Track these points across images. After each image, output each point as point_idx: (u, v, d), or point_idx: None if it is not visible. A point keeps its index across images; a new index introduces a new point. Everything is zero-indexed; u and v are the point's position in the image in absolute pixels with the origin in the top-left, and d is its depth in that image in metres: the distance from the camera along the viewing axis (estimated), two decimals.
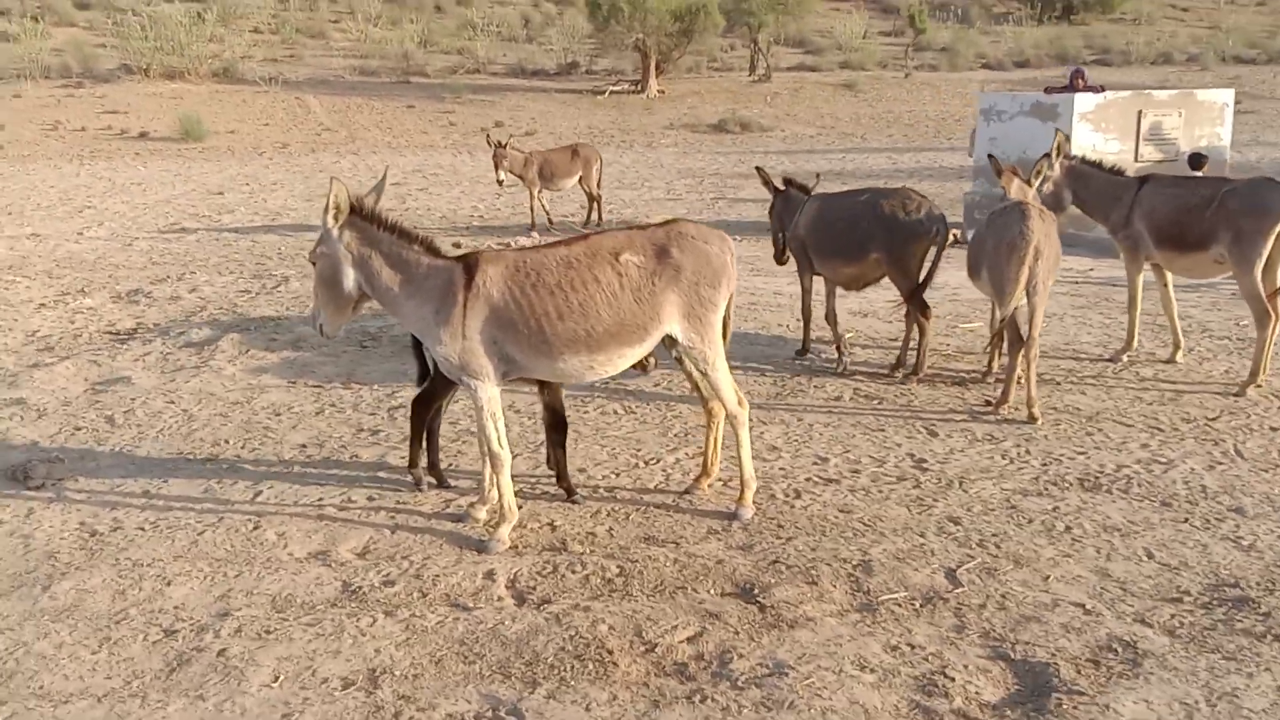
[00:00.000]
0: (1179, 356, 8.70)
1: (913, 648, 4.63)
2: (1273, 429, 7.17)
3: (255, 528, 6.00)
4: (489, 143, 17.35)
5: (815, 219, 8.57)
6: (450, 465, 6.82)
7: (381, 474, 6.78)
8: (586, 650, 4.66)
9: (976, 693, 4.32)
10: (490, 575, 5.38)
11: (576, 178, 17.21)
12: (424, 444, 6.41)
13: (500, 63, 45.93)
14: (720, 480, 6.43)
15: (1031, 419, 7.29)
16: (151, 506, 6.34)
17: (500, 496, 5.73)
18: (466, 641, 4.76)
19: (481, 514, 6.03)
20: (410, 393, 6.90)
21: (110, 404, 8.27)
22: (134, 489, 6.60)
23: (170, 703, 4.34)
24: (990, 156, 8.72)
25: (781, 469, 6.64)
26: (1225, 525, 5.74)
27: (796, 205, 8.82)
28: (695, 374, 6.08)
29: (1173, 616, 4.83)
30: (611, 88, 42.43)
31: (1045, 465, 6.63)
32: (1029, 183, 8.17)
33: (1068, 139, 8.94)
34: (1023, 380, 7.40)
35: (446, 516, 6.11)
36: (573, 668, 4.55)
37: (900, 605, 4.99)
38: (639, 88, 42.34)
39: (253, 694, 4.40)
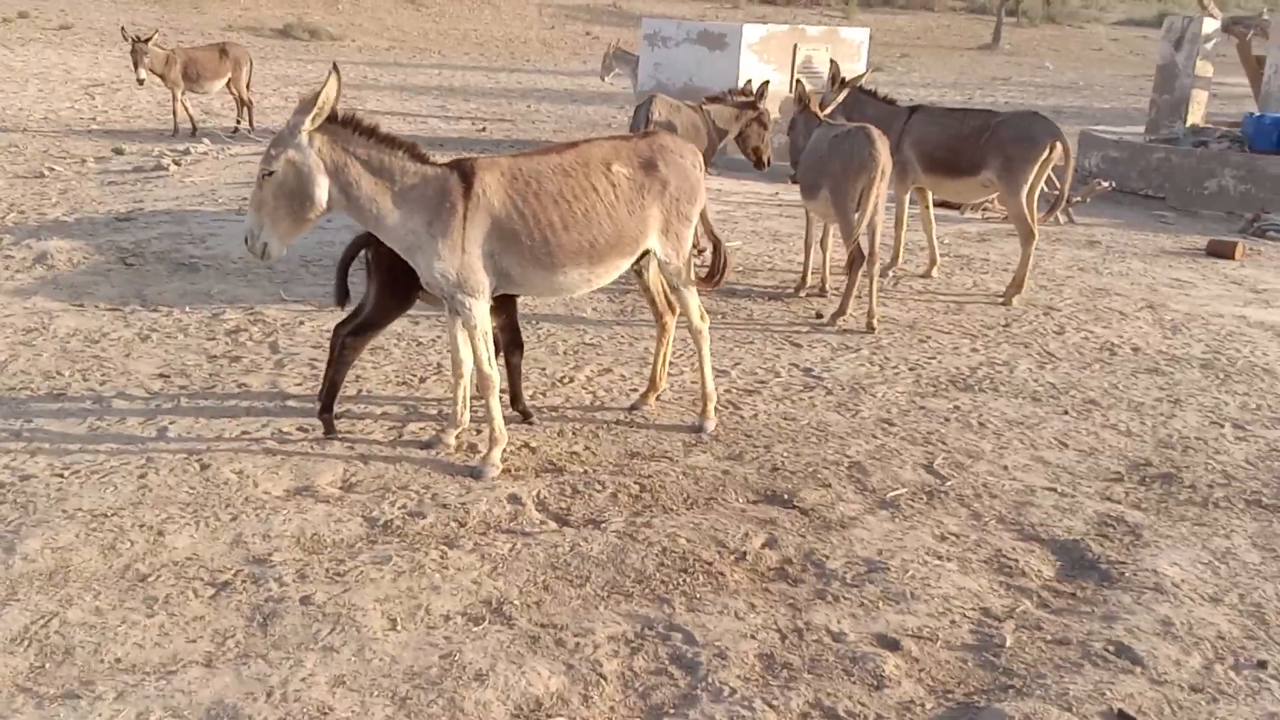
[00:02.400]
0: (934, 272, 9.74)
1: (957, 536, 5.07)
2: (1057, 331, 8.30)
3: (203, 466, 5.36)
4: (125, 36, 15.55)
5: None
6: (359, 391, 6.37)
7: (289, 403, 6.21)
8: (685, 564, 4.70)
9: (1039, 570, 4.83)
10: (514, 499, 5.21)
11: (225, 79, 15.91)
12: (335, 384, 5.85)
13: None
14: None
15: (870, 329, 7.96)
16: (40, 450, 5.46)
17: (491, 419, 5.50)
18: (557, 565, 4.63)
19: (451, 439, 5.75)
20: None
21: None
22: None
23: (303, 659, 3.91)
24: (797, 81, 9.19)
25: (691, 382, 6.82)
26: (1096, 415, 6.65)
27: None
28: (656, 288, 6.10)
29: (1127, 495, 5.61)
30: None
31: (912, 370, 7.30)
32: (819, 106, 8.76)
33: (837, 65, 9.63)
34: (863, 294, 8.03)
35: (412, 444, 5.76)
36: (687, 581, 4.57)
37: (912, 500, 5.40)
38: None
39: (386, 639, 4.06)
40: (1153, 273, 10.51)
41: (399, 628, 4.14)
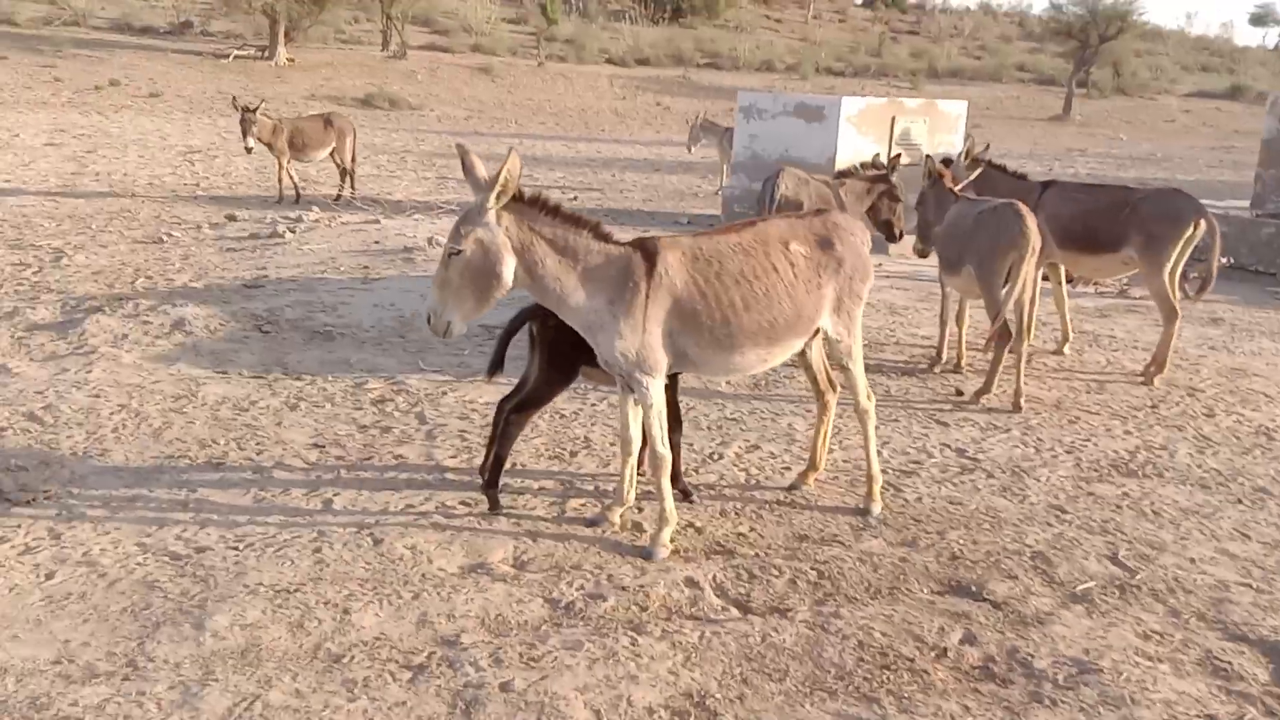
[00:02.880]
0: (1066, 349, 9.53)
1: (1161, 635, 4.84)
2: (1207, 414, 8.05)
3: (376, 541, 5.27)
4: (234, 106, 15.84)
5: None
6: (512, 465, 6.26)
7: (447, 475, 6.13)
8: (885, 659, 4.52)
9: (1254, 674, 4.59)
10: (691, 583, 5.07)
11: (330, 149, 16.12)
12: (500, 459, 5.75)
13: (101, 16, 41.89)
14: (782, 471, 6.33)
15: (1017, 408, 7.76)
16: (210, 521, 5.41)
17: (661, 499, 5.38)
18: (751, 657, 4.47)
19: (616, 517, 5.63)
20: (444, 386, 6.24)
21: (13, 398, 6.88)
22: (157, 499, 5.62)
23: None
24: (927, 156, 9.10)
25: (845, 462, 6.66)
26: (1272, 505, 6.39)
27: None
28: (819, 365, 5.97)
29: None
30: (237, 52, 39.79)
31: (1070, 452, 7.08)
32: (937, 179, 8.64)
33: (973, 140, 9.53)
34: (1009, 373, 7.85)
35: (576, 521, 5.65)
36: (891, 679, 4.39)
37: (1104, 593, 5.18)
38: (265, 54, 39.99)
39: None
40: None
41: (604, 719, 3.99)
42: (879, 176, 9.55)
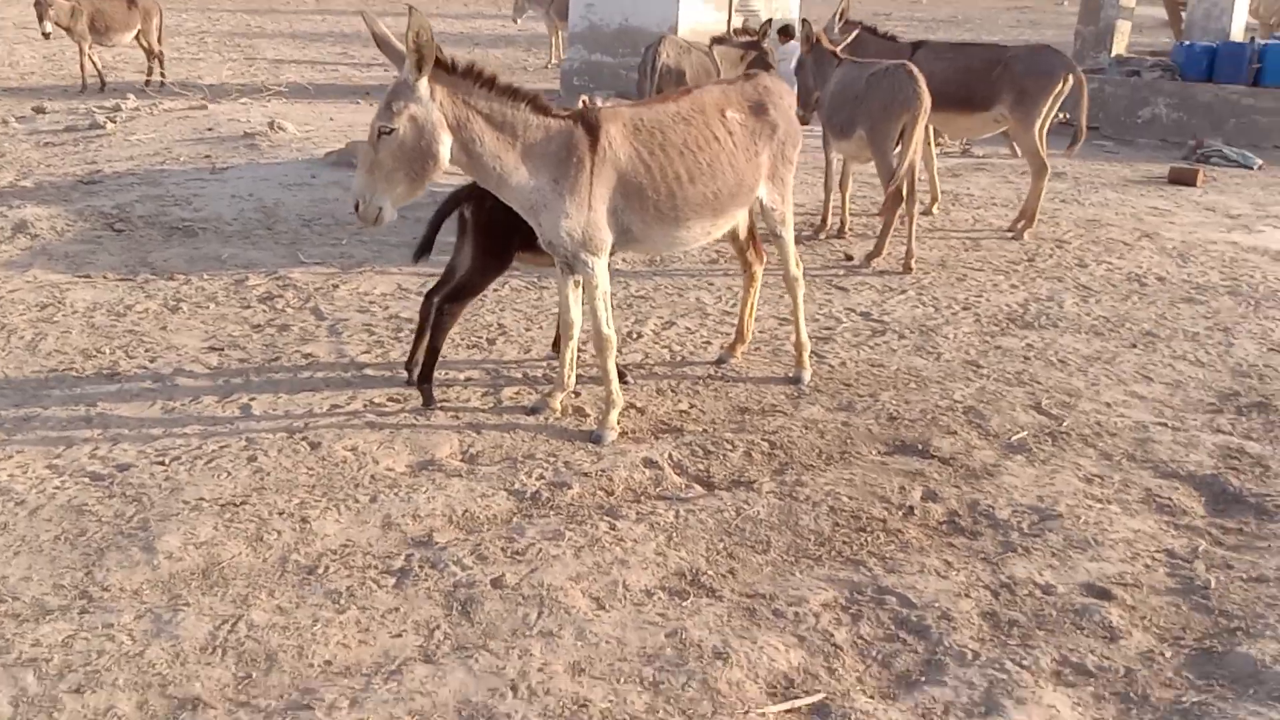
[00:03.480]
0: (934, 209, 9.71)
1: (1101, 478, 5.03)
2: (1080, 265, 8.35)
3: (313, 445, 5.00)
4: None
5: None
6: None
7: (366, 372, 5.85)
8: (859, 522, 4.56)
9: (1193, 508, 4.81)
10: (650, 463, 4.99)
11: (134, 31, 14.96)
12: (435, 350, 5.47)
13: None
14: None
15: (908, 269, 7.88)
16: (122, 436, 5.03)
17: (608, 382, 5.25)
18: (731, 531, 4.44)
19: (558, 403, 5.48)
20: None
21: None
22: (54, 417, 5.19)
23: (528, 647, 3.66)
24: (804, 20, 8.98)
25: (760, 331, 6.65)
26: (1161, 347, 6.69)
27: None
28: (744, 237, 5.89)
29: (1234, 425, 5.65)
30: None
31: (967, 309, 7.25)
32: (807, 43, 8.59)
33: (848, 2, 9.48)
34: (899, 234, 7.94)
35: (515, 410, 5.48)
36: (869, 541, 4.43)
37: (1036, 442, 5.34)
38: None
39: (600, 620, 3.83)
40: (1131, 202, 10.68)
41: (606, 607, 3.90)
42: (751, 43, 9.44)
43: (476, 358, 6.11)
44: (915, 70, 7.64)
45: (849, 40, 8.99)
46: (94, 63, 14.88)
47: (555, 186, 4.82)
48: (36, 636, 3.61)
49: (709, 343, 6.43)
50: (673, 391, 5.76)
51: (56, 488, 4.57)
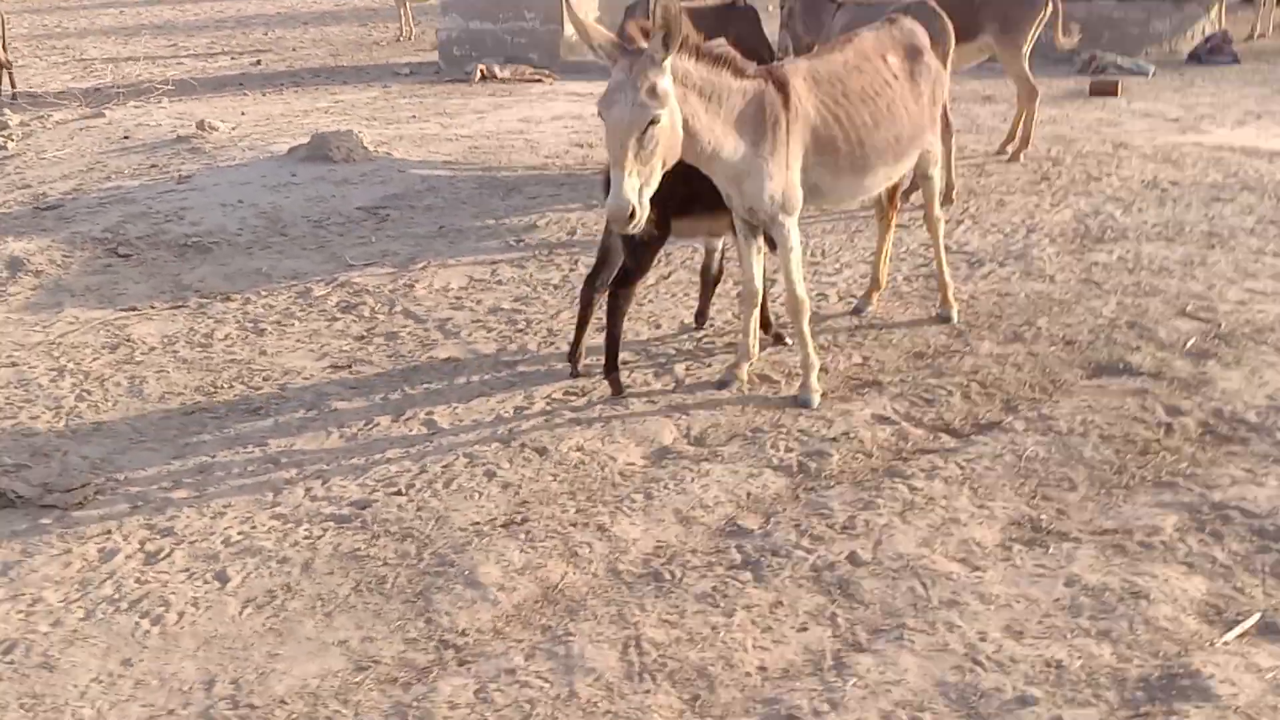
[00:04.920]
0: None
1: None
2: (1093, 177, 8.56)
3: (540, 452, 4.67)
4: None
5: None
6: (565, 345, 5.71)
7: (520, 369, 5.51)
8: (1136, 446, 4.56)
9: None
10: (883, 419, 4.87)
11: None
12: (615, 338, 5.22)
13: None
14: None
15: (949, 200, 7.90)
16: (322, 472, 4.60)
17: (804, 345, 5.06)
18: (1026, 475, 4.38)
19: (744, 373, 5.27)
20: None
21: None
22: (224, 462, 4.70)
23: (948, 619, 3.50)
24: None
25: (863, 276, 6.54)
26: (1244, 241, 6.90)
27: None
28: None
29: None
30: None
31: (1033, 230, 7.34)
32: None
33: None
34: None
35: (703, 387, 5.23)
36: (1159, 462, 4.43)
37: (1212, 346, 5.43)
38: None
39: (982, 580, 3.71)
40: (1075, 116, 11.01)
41: (980, 567, 3.78)
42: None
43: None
44: (937, 7, 7.61)
45: None
46: None
47: (757, 150, 4.60)
48: (442, 697, 3.23)
49: (821, 294, 6.27)
50: (835, 347, 5.60)
51: (306, 537, 4.11)
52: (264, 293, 6.58)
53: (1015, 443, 4.57)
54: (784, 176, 4.69)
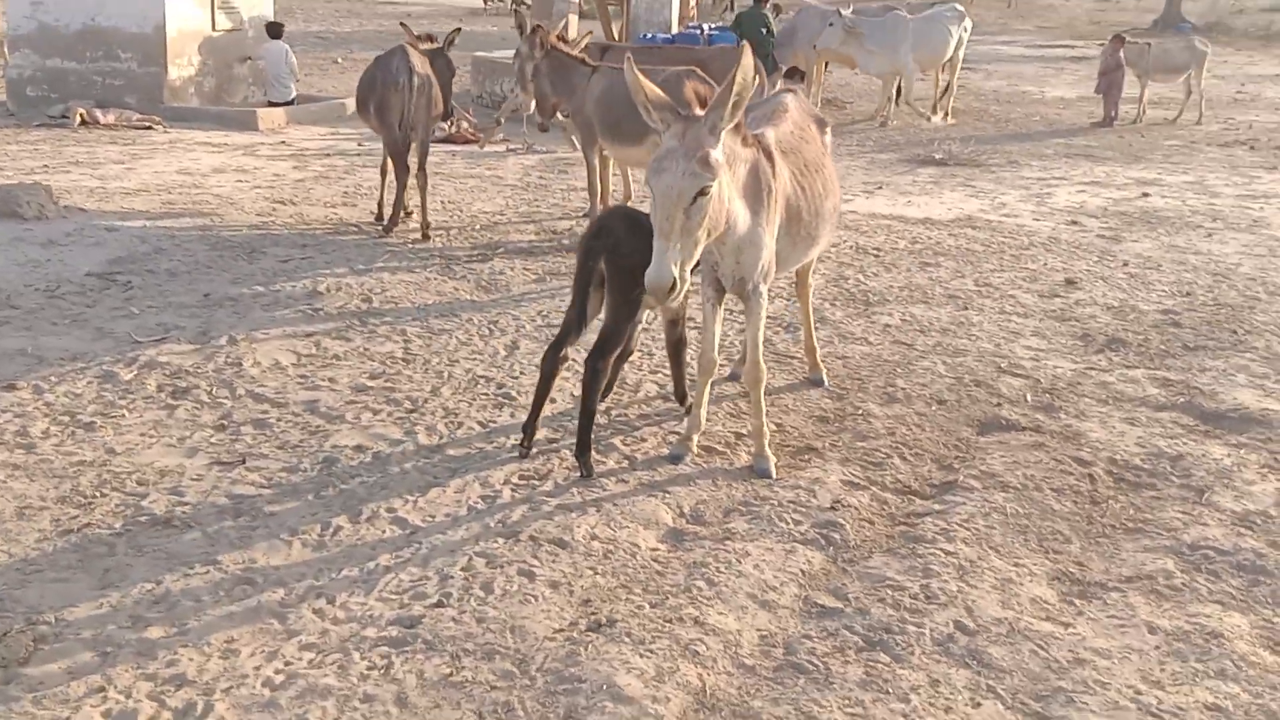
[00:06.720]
0: None
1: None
2: None
3: (562, 545, 4.32)
4: None
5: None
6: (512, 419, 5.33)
7: (451, 451, 5.05)
8: (1085, 496, 4.97)
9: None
10: (851, 485, 4.99)
11: None
12: (590, 414, 4.90)
13: None
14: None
15: None
16: (331, 584, 3.97)
17: (758, 411, 5.06)
18: (1024, 530, 4.64)
19: (695, 445, 5.19)
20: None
21: None
22: (200, 589, 3.95)
23: (1107, 649, 3.71)
24: (537, 26, 8.69)
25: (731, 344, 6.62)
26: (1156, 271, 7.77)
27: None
28: None
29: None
30: None
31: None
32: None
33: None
34: None
35: (657, 462, 5.09)
36: (1117, 508, 4.88)
37: (1031, 405, 6.10)
38: None
39: (1090, 627, 3.96)
40: None
41: (1072, 622, 3.98)
42: (438, 50, 9.03)
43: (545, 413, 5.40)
44: (704, 73, 7.92)
45: (582, 47, 8.94)
46: None
47: (757, 220, 4.61)
48: None
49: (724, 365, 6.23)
50: (741, 414, 5.63)
51: (371, 667, 3.53)
52: (53, 379, 5.47)
53: (987, 500, 4.82)
54: (772, 246, 4.70)
